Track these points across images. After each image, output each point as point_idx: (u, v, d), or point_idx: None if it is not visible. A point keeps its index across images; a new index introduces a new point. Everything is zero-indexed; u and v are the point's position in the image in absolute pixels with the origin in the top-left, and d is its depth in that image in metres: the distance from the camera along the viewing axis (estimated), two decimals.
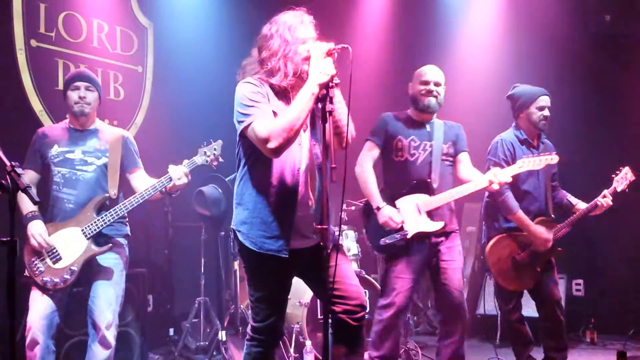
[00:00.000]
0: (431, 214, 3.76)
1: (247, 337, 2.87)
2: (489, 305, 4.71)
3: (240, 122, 2.68)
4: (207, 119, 6.08)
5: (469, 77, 6.47)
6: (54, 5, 5.03)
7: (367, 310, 3.08)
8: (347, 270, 2.86)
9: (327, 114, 2.47)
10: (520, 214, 4.05)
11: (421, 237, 3.75)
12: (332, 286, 2.66)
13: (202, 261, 5.39)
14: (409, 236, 3.72)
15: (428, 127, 3.90)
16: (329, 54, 2.57)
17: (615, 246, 5.98)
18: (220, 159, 3.72)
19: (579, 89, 6.19)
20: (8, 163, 2.19)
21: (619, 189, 4.11)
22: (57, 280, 3.40)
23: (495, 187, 3.63)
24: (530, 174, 4.12)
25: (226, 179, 5.12)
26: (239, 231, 2.78)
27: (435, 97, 3.84)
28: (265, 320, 2.78)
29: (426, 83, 3.84)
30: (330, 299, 2.60)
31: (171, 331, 5.42)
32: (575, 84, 6.17)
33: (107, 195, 3.60)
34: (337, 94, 2.61)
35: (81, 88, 3.63)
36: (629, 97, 6.06)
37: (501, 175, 3.64)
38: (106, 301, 3.54)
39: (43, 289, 3.40)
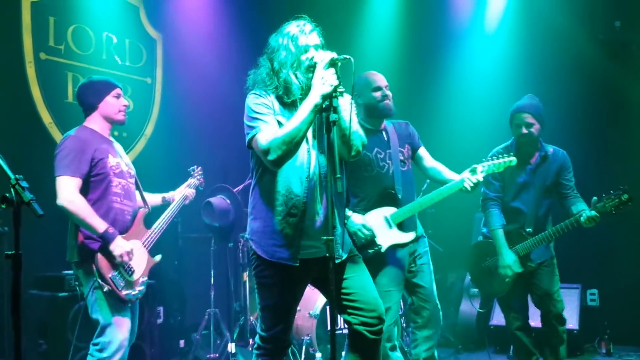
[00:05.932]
0: (401, 225, 3.66)
1: (255, 346, 2.88)
2: (501, 316, 4.63)
3: (246, 134, 2.72)
4: (217, 129, 6.10)
5: (477, 85, 6.43)
6: (63, 19, 5.07)
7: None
8: (364, 281, 2.82)
9: (331, 124, 2.46)
10: (497, 232, 4.04)
11: (395, 247, 3.65)
12: (347, 297, 2.71)
13: (212, 272, 5.39)
14: (382, 250, 3.59)
15: (384, 134, 3.78)
16: (332, 64, 2.55)
17: (630, 255, 5.88)
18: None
19: (588, 98, 6.11)
20: (12, 176, 2.17)
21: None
22: (136, 292, 3.43)
23: (468, 188, 3.49)
24: (522, 188, 4.08)
25: (234, 190, 5.12)
26: (252, 240, 2.81)
27: (390, 99, 3.73)
28: (271, 329, 2.78)
29: (379, 89, 3.72)
30: (336, 311, 2.58)
31: (181, 343, 5.42)
32: (585, 93, 6.10)
33: (150, 209, 3.64)
34: (343, 103, 2.58)
35: (121, 96, 3.54)
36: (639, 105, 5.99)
37: (473, 177, 3.51)
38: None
39: (123, 303, 3.35)
